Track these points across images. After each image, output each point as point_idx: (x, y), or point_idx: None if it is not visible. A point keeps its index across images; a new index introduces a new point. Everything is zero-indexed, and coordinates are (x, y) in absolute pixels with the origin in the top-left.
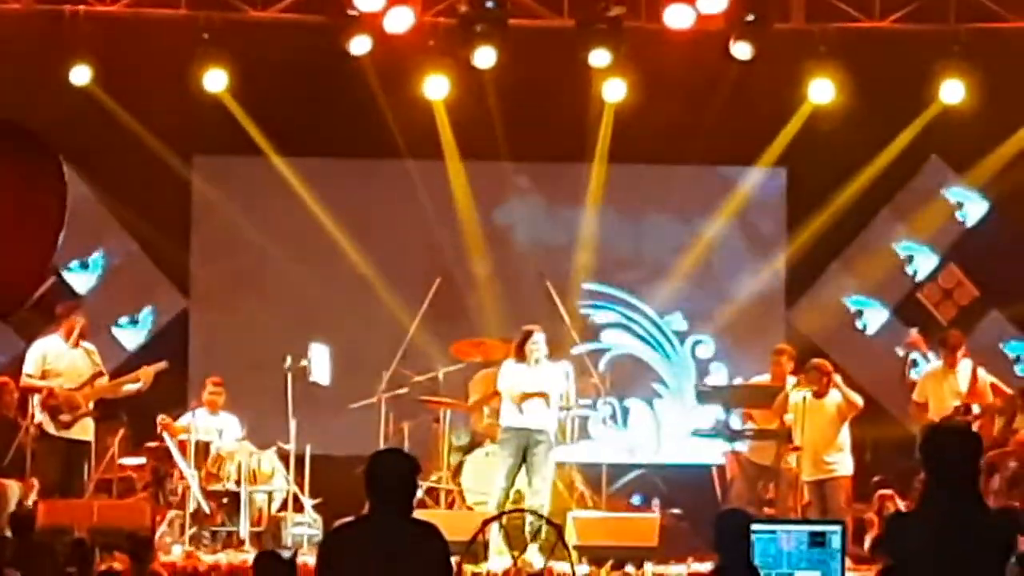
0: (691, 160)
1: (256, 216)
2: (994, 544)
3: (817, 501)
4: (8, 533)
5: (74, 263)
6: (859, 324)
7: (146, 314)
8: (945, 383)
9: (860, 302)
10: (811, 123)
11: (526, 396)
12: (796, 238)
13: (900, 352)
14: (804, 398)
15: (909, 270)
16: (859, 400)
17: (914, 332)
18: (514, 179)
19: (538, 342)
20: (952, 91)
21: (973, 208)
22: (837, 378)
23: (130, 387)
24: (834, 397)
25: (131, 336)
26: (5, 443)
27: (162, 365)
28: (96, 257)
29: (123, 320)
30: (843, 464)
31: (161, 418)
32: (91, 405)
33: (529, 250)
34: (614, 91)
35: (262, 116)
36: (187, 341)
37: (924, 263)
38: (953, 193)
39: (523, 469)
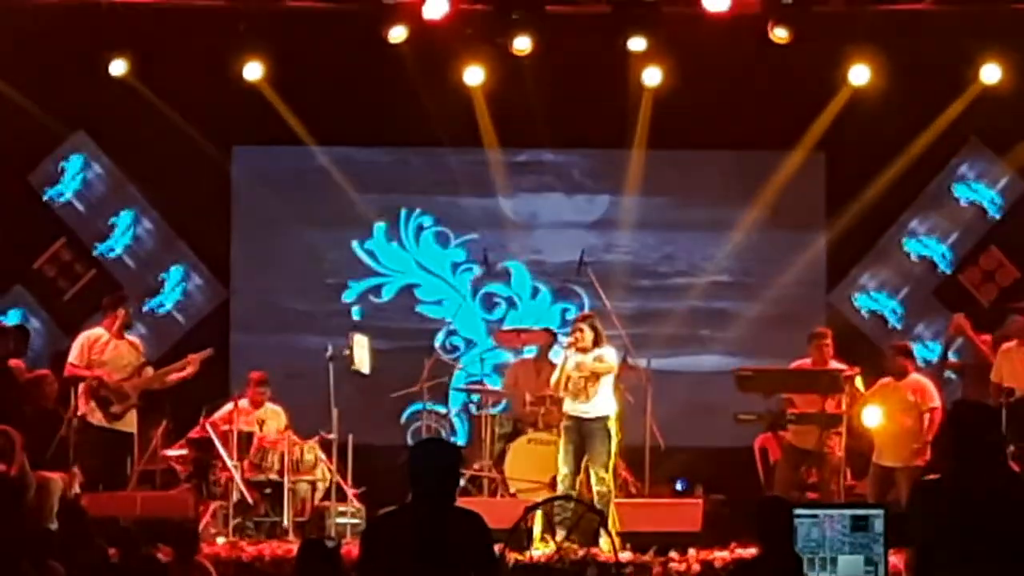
0: (730, 145)
1: (296, 206)
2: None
3: (879, 487)
4: (54, 525)
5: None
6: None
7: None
8: (1020, 361)
9: (871, 304)
10: (850, 106)
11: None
12: (836, 222)
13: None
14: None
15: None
16: (933, 397)
17: (960, 315)
18: (552, 165)
19: (582, 329)
20: (991, 72)
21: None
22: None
23: (176, 375)
24: (911, 383)
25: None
26: (47, 435)
27: (208, 352)
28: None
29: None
30: (916, 453)
31: (204, 414)
32: (137, 396)
33: (569, 237)
34: (652, 77)
35: (300, 106)
36: (228, 331)
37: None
38: (965, 196)
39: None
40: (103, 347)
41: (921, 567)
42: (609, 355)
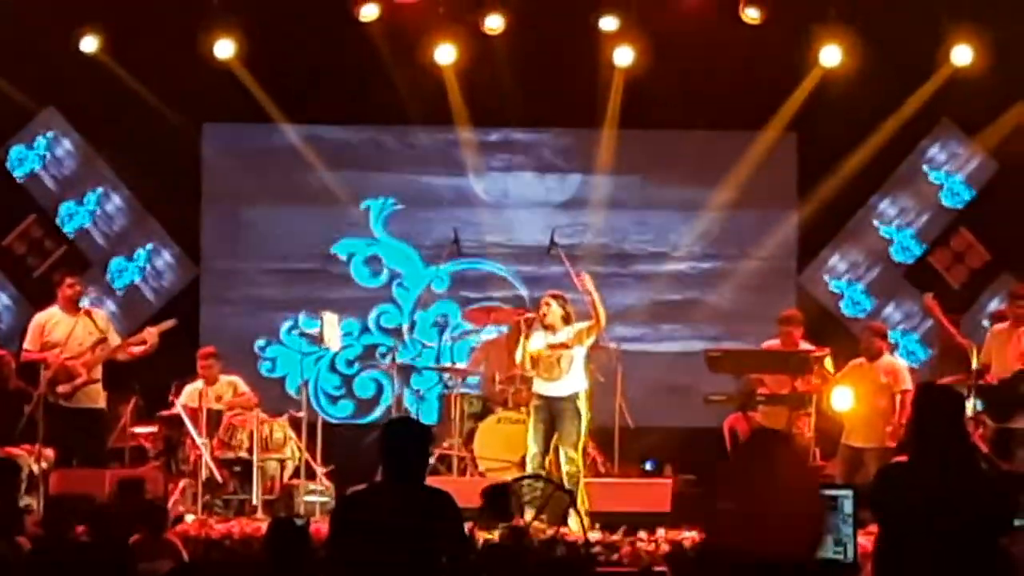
0: (701, 125)
1: (267, 184)
2: (990, 505)
3: (848, 467)
4: (23, 502)
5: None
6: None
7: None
8: (1009, 344)
9: (841, 286)
10: (822, 87)
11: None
12: (807, 203)
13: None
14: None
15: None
16: (905, 379)
17: (929, 296)
18: (523, 144)
19: (550, 305)
20: (962, 54)
21: (956, 194)
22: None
23: (136, 348)
24: (883, 364)
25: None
26: (15, 413)
27: (169, 324)
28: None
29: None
30: (886, 435)
31: (174, 391)
32: (95, 373)
33: (540, 216)
34: (623, 56)
35: (271, 83)
36: (198, 308)
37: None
38: (936, 177)
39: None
40: (54, 327)
41: (884, 549)
42: (582, 323)
